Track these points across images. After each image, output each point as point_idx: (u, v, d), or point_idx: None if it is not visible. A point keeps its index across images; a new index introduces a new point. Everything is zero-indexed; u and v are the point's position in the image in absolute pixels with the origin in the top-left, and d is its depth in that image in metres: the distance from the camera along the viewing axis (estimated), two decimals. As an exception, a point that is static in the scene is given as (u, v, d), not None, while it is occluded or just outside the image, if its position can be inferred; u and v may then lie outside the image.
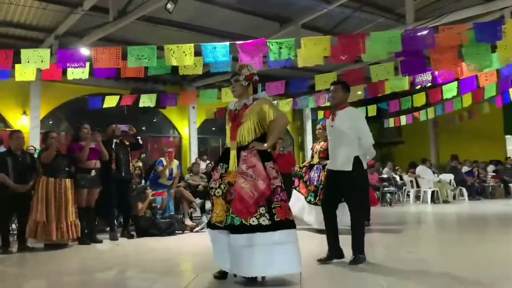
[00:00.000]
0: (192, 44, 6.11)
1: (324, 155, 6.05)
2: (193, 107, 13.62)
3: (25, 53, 5.85)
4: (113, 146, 6.44)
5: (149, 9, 7.88)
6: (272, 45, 6.08)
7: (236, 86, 3.69)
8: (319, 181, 6.14)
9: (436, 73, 7.41)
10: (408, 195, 12.66)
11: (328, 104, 9.84)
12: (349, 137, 4.09)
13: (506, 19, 7.57)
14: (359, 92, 9.29)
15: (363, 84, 8.91)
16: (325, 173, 5.10)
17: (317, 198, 6.05)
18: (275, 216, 3.33)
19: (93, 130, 6.16)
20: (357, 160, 4.06)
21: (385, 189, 11.79)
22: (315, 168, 6.35)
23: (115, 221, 6.82)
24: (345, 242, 4.11)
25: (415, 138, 17.43)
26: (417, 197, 12.47)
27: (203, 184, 8.28)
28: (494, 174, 14.12)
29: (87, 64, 6.22)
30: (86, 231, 5.96)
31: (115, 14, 8.24)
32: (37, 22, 9.23)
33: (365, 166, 4.18)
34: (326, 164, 5.06)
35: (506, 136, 16.58)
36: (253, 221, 3.28)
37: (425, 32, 5.82)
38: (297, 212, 6.70)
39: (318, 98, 9.83)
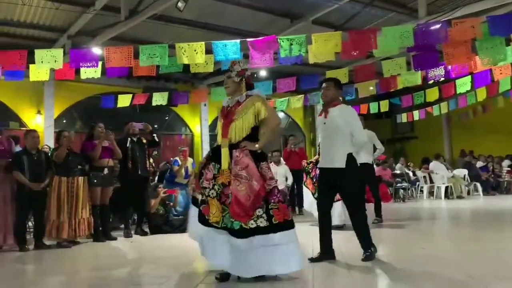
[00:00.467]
0: (203, 42, 6.13)
1: None
2: (205, 105, 13.66)
3: (39, 53, 5.93)
4: (128, 145, 6.48)
5: (160, 8, 7.91)
6: (283, 41, 6.07)
7: (229, 82, 3.64)
8: None
9: (449, 67, 7.33)
10: (421, 191, 12.56)
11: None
12: (342, 134, 4.03)
13: (521, 11, 7.45)
14: (371, 88, 9.24)
15: (375, 79, 8.85)
16: None
17: None
18: (273, 218, 3.31)
19: (106, 129, 6.22)
20: (350, 158, 4.02)
21: (398, 185, 11.72)
22: None
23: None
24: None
25: (428, 133, 17.23)
26: (431, 193, 12.36)
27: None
28: (509, 169, 13.90)
29: (100, 63, 6.28)
30: (100, 228, 6.04)
31: (127, 13, 8.30)
32: (50, 22, 9.33)
33: (359, 162, 4.16)
34: None
35: (522, 130, 16.32)
36: (251, 223, 3.27)
37: (438, 26, 5.76)
38: (307, 206, 6.75)
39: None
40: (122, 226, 6.63)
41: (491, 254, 4.29)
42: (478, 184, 12.58)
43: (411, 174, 13.02)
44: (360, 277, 3.57)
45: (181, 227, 6.60)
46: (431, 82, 8.23)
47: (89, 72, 6.41)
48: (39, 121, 11.37)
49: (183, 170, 7.51)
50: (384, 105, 11.37)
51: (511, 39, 6.02)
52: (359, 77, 8.30)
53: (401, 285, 3.22)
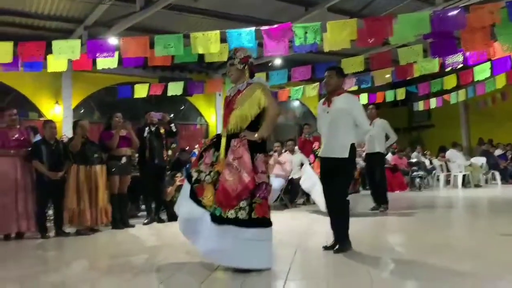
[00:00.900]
0: (218, 31, 6.13)
1: None
2: (219, 95, 13.67)
3: (56, 44, 6.02)
4: (145, 134, 6.55)
5: (174, -3, 7.94)
6: (297, 29, 6.04)
7: (232, 70, 3.60)
8: None
9: (467, 54, 7.21)
10: (438, 180, 12.45)
11: (355, 88, 9.73)
12: (346, 123, 3.99)
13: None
14: (387, 76, 9.14)
15: (391, 67, 8.76)
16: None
17: None
18: (253, 212, 3.31)
19: (124, 118, 6.30)
20: (353, 148, 3.98)
21: (414, 173, 11.63)
22: None
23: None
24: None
25: (445, 122, 16.99)
26: (447, 182, 12.25)
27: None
28: (528, 157, 13.69)
29: (116, 53, 6.35)
30: (119, 216, 6.16)
31: (142, 4, 8.35)
32: (67, 13, 9.43)
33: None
34: None
35: (542, 118, 15.97)
36: (231, 213, 3.29)
37: (455, 13, 5.65)
38: (306, 187, 6.93)
39: (345, 82, 9.71)
40: (139, 214, 6.73)
41: (507, 243, 4.25)
42: (497, 173, 12.41)
43: (427, 162, 12.89)
44: (373, 268, 3.59)
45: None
46: (448, 69, 8.11)
47: (105, 62, 6.49)
48: (58, 112, 11.57)
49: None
50: (401, 93, 11.25)
51: (532, 24, 5.87)
52: (375, 65, 8.23)
53: (412, 275, 3.23)
